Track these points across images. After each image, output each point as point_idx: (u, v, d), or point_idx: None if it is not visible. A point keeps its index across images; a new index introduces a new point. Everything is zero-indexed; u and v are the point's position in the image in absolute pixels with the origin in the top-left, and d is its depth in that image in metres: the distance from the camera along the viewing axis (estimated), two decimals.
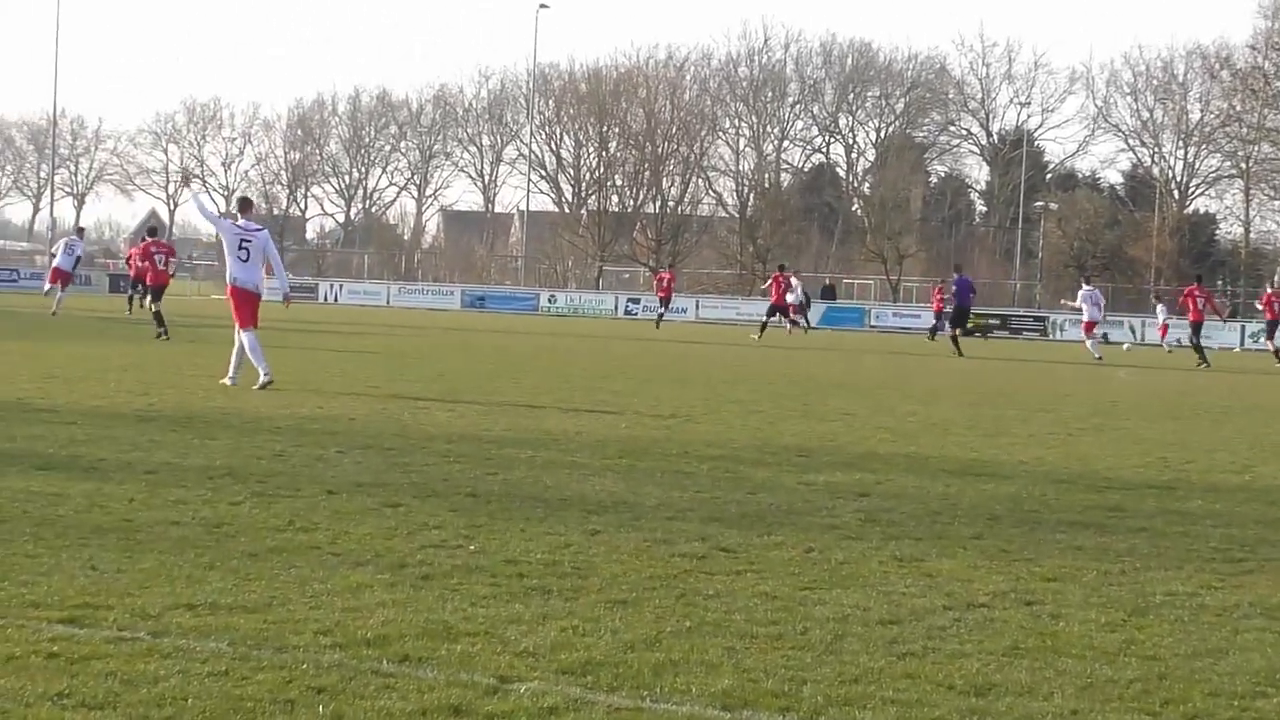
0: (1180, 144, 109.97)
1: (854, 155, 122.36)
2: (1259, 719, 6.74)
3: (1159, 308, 55.62)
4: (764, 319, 54.47)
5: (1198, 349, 45.23)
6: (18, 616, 7.43)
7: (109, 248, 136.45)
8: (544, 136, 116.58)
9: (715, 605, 8.36)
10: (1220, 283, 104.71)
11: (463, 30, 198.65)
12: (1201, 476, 15.41)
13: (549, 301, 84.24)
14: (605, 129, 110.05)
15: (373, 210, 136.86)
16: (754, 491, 12.83)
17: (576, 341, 44.91)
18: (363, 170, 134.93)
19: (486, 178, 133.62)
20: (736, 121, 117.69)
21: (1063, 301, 55.27)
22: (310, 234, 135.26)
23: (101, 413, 16.86)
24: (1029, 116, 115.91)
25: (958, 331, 47.00)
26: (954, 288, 47.98)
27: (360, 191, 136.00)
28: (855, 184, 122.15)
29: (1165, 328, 54.21)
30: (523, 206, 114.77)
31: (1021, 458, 16.49)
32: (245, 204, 23.03)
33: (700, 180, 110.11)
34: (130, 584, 8.22)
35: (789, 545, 10.26)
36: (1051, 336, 75.55)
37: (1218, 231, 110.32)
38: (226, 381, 21.12)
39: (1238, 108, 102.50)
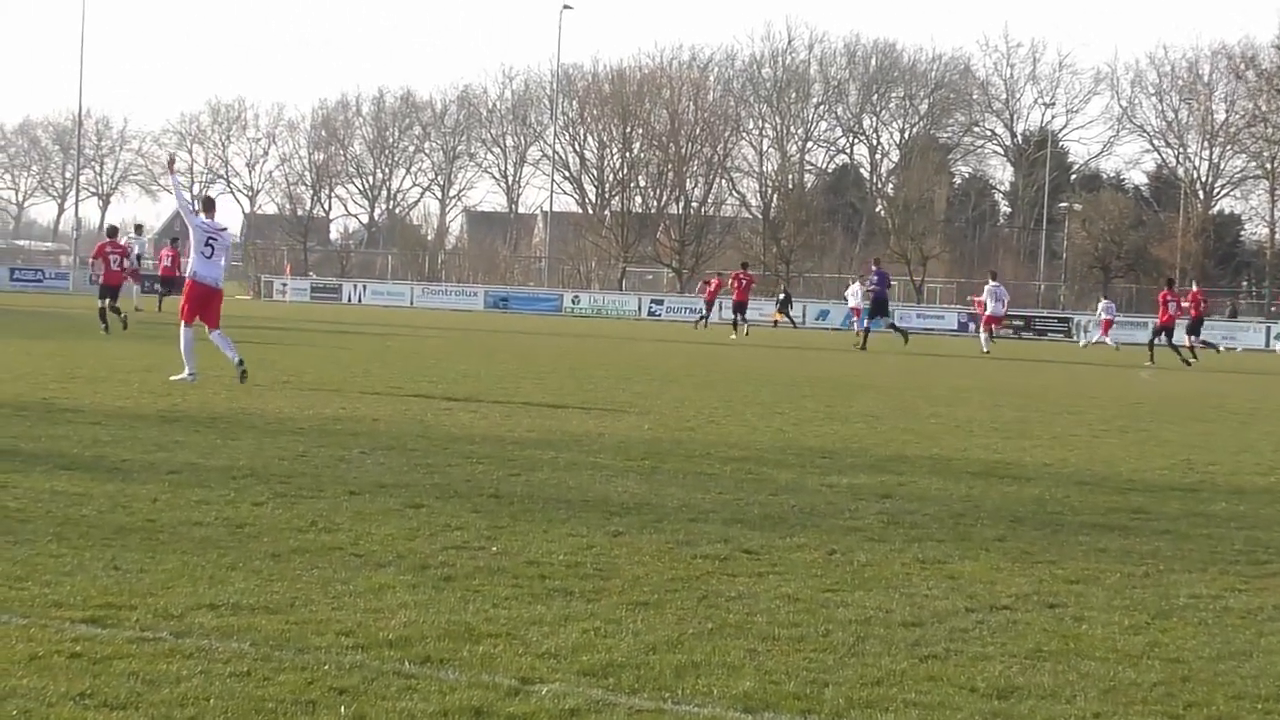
0: (1205, 144, 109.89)
1: (878, 156, 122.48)
2: None
3: (991, 288, 55.88)
4: (734, 317, 54.77)
5: (1150, 345, 45.81)
6: (41, 616, 7.45)
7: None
8: (568, 137, 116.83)
9: (737, 607, 8.35)
10: (1245, 284, 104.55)
11: (487, 30, 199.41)
12: (1226, 479, 15.36)
13: (572, 302, 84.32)
14: (629, 129, 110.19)
15: (396, 211, 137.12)
16: (776, 493, 12.82)
17: (599, 343, 44.93)
18: (386, 171, 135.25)
19: (510, 178, 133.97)
20: (760, 122, 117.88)
21: (970, 298, 55.63)
22: (334, 235, 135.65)
23: (125, 413, 16.90)
24: (1053, 117, 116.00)
25: (880, 321, 48.33)
26: (873, 279, 49.06)
27: (384, 192, 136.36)
28: (879, 185, 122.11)
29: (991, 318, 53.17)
30: (546, 207, 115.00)
31: (1045, 459, 16.45)
32: (209, 204, 23.57)
33: (724, 181, 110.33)
34: (153, 584, 8.24)
35: (811, 547, 10.24)
36: (1076, 338, 75.39)
37: (1243, 232, 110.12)
38: (185, 377, 21.21)
39: (1263, 108, 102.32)
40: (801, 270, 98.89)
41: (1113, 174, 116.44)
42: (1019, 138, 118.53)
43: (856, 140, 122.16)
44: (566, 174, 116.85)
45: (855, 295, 53.20)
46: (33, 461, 12.60)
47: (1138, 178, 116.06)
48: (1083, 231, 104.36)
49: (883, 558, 10.01)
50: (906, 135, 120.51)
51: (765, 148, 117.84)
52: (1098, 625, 8.33)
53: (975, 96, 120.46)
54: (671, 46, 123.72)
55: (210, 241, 22.09)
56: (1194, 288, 52.25)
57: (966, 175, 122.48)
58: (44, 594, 7.90)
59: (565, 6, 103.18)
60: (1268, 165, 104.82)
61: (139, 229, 56.87)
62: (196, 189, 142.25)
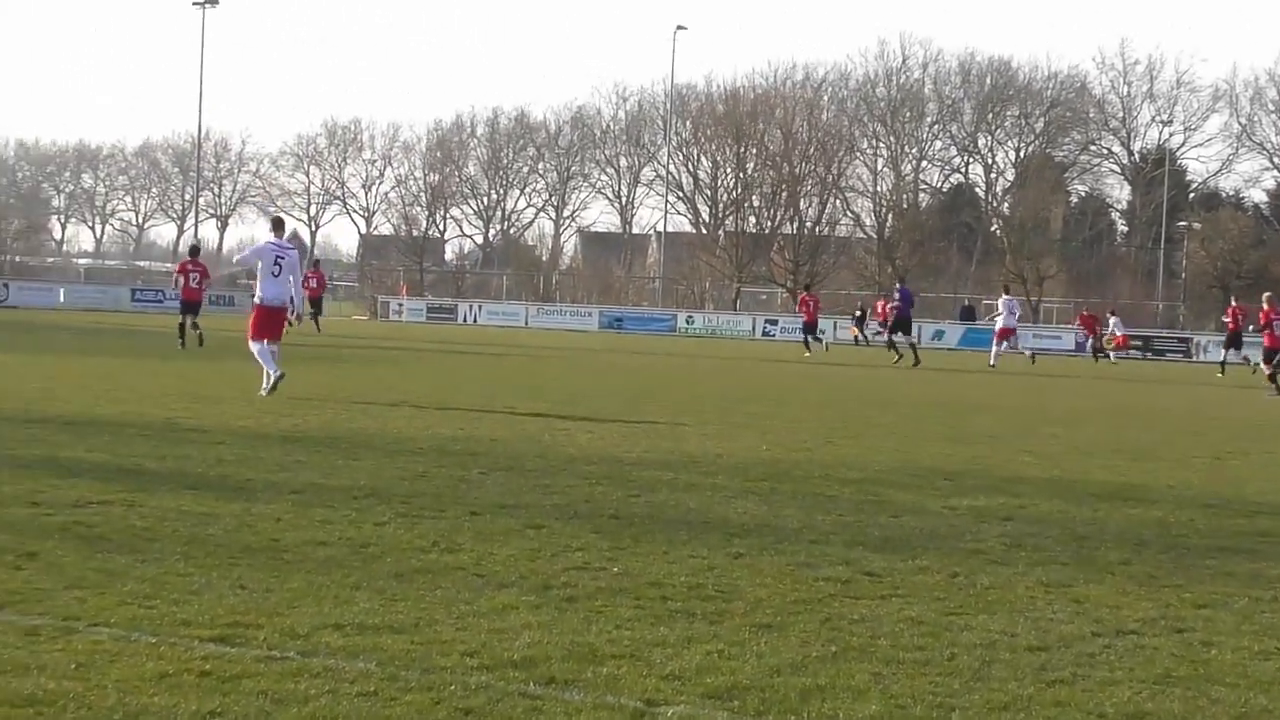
0: None
1: (993, 175, 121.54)
2: None
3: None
4: (804, 337, 55.71)
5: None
6: (170, 634, 7.53)
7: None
8: (681, 157, 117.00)
9: (861, 630, 8.31)
10: None
11: (601, 51, 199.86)
12: None
13: (686, 322, 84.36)
14: (742, 149, 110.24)
15: (511, 231, 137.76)
16: (897, 515, 12.74)
17: (714, 363, 44.91)
18: (501, 191, 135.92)
19: (624, 199, 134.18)
20: (874, 141, 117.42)
21: (989, 318, 55.82)
22: (449, 255, 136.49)
23: (248, 432, 17.08)
24: (1171, 135, 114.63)
25: (897, 335, 48.67)
26: (896, 297, 49.66)
27: (498, 213, 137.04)
28: (994, 204, 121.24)
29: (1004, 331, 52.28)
30: (660, 227, 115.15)
31: (1168, 481, 16.25)
32: (279, 223, 24.78)
33: (838, 201, 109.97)
34: (279, 603, 8.31)
35: (934, 570, 10.17)
36: (1195, 358, 74.50)
37: None
38: (275, 378, 22.19)
39: None
40: (916, 290, 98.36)
41: (1232, 192, 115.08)
42: (1136, 156, 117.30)
43: (971, 159, 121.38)
44: (680, 194, 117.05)
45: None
46: (159, 481, 12.76)
47: (1258, 196, 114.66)
48: (1201, 251, 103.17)
49: (1006, 581, 9.92)
50: (1022, 154, 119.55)
51: (879, 167, 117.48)
52: (1227, 650, 8.21)
53: (1092, 115, 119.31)
54: (785, 66, 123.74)
55: (279, 260, 22.87)
56: (1233, 303, 52.95)
57: (1083, 194, 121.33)
58: (172, 612, 7.98)
59: (679, 27, 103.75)
60: None
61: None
62: (313, 210, 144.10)
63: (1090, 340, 65.34)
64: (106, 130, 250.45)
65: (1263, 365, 40.50)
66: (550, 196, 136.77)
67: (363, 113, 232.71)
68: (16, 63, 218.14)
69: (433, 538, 10.53)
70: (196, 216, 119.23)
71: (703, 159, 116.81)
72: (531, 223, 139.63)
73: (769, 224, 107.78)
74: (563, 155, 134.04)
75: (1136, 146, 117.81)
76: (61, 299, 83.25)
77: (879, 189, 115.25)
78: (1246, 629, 8.78)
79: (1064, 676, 7.48)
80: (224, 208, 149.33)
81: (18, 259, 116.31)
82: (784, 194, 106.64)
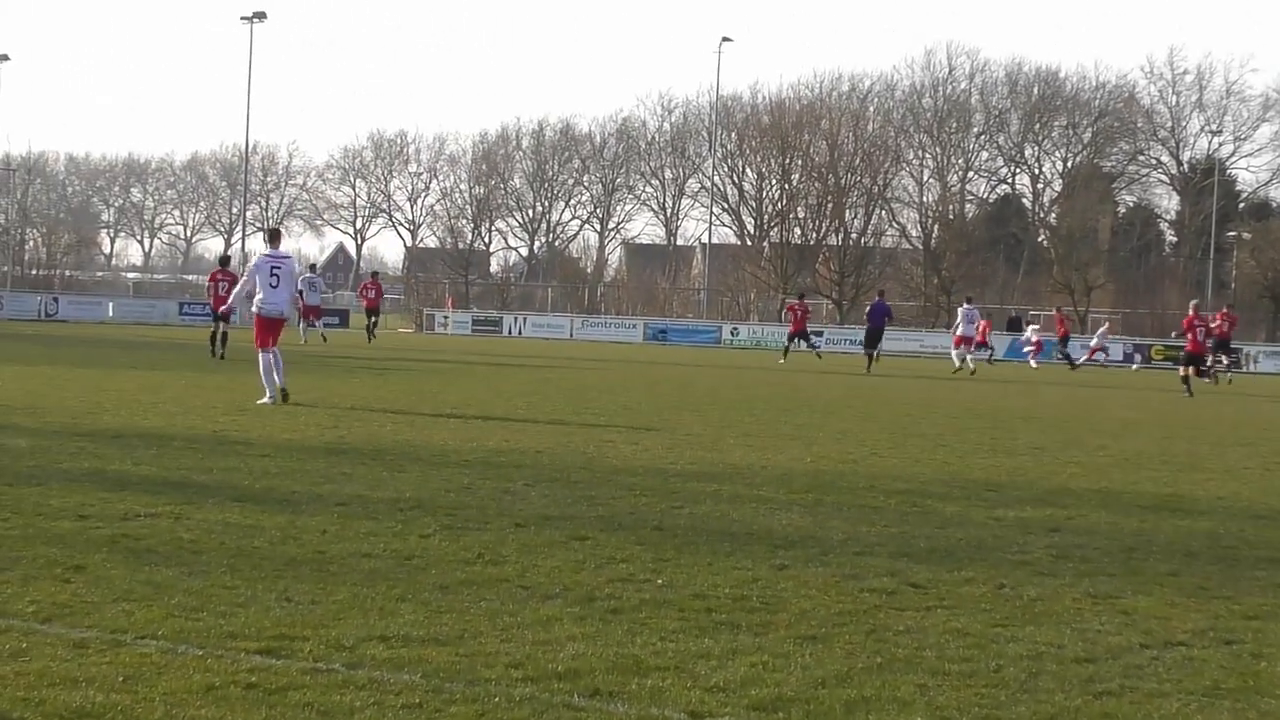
0: None
1: (1040, 185, 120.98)
2: None
3: (965, 309, 55.58)
4: (786, 345, 57.49)
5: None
6: (217, 646, 7.56)
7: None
8: (726, 169, 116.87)
9: (906, 641, 8.28)
10: None
11: (646, 63, 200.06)
12: None
13: (731, 334, 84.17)
14: (787, 160, 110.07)
15: (556, 244, 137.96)
16: (943, 526, 12.70)
17: (758, 374, 44.85)
18: (546, 204, 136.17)
19: (668, 210, 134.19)
20: (920, 153, 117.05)
21: (953, 328, 56.61)
22: (494, 267, 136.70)
23: (293, 445, 17.13)
24: (1220, 145, 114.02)
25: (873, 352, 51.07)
26: (869, 310, 52.13)
27: (543, 225, 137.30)
28: (1041, 214, 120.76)
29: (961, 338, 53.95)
30: (705, 239, 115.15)
31: (1218, 493, 16.15)
32: (275, 235, 25.36)
33: (883, 212, 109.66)
34: (324, 615, 8.33)
35: (980, 581, 10.13)
36: (1245, 369, 74.09)
37: None
38: (267, 401, 22.69)
39: None
40: (962, 301, 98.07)
41: None
42: (1185, 166, 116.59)
43: (1018, 170, 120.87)
44: (725, 205, 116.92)
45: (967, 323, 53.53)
46: (205, 493, 12.81)
47: None
48: (1251, 260, 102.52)
49: (1053, 592, 9.88)
50: (1069, 164, 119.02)
51: (925, 178, 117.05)
52: (1277, 663, 8.15)
53: (1140, 125, 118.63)
54: (830, 77, 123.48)
55: (275, 270, 23.63)
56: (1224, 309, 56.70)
57: (1131, 204, 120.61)
58: (219, 625, 8.01)
59: (724, 39, 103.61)
60: None
61: (313, 268, 58.97)
62: (359, 223, 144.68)
63: (1056, 345, 65.28)
64: (155, 144, 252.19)
65: (1180, 368, 43.66)
66: (595, 208, 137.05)
67: (409, 125, 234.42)
68: (67, 78, 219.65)
69: (477, 549, 10.54)
70: (244, 230, 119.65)
71: (748, 170, 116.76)
72: (576, 235, 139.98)
73: (814, 235, 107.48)
74: (607, 167, 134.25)
75: (1185, 156, 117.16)
76: (110, 313, 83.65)
77: (925, 200, 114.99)
78: None
79: (1111, 688, 7.45)
80: (271, 221, 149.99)
81: (68, 273, 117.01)
82: (829, 205, 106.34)
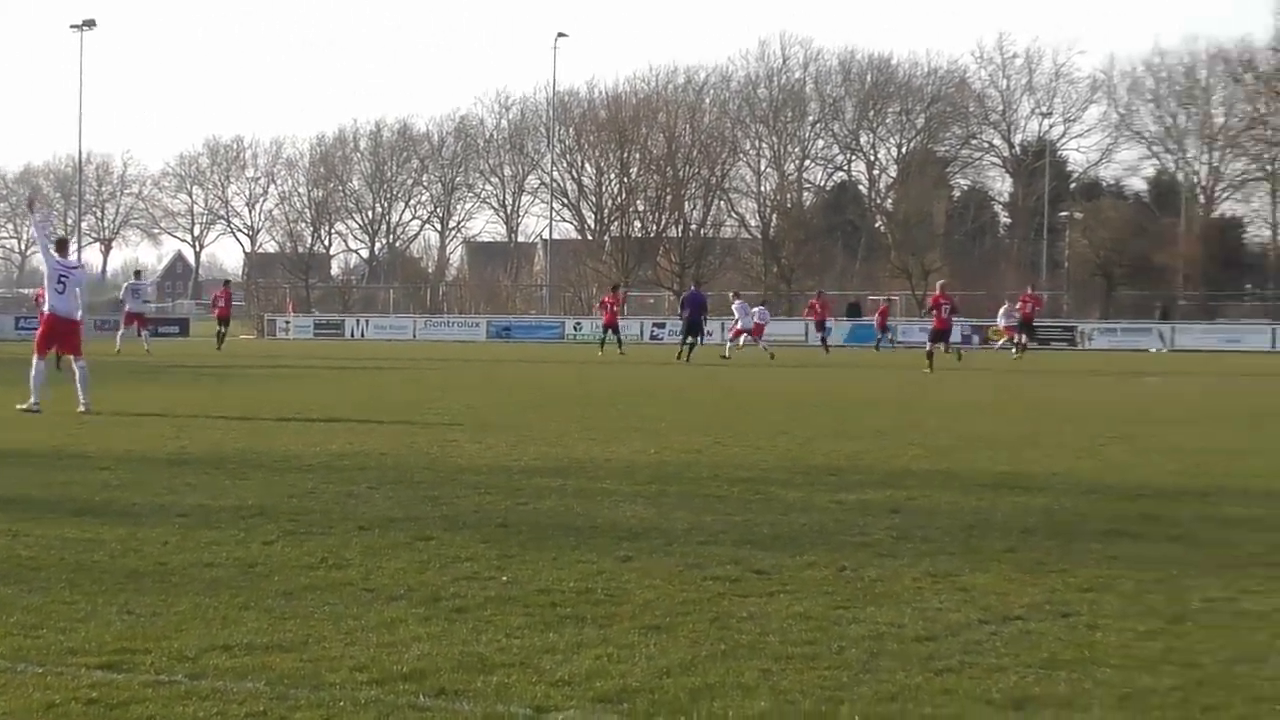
0: (1205, 149, 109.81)
1: (876, 172, 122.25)
2: None
3: (737, 305, 57.14)
4: (603, 336, 57.69)
5: (929, 355, 45.38)
6: (56, 664, 7.45)
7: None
8: (565, 164, 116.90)
9: (750, 628, 8.35)
10: (1249, 286, 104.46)
11: (482, 61, 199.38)
12: (1237, 482, 15.33)
13: (574, 329, 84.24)
14: (626, 155, 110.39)
15: (396, 245, 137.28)
16: (785, 512, 12.81)
17: (602, 369, 44.91)
18: (385, 205, 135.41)
19: (509, 208, 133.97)
20: (757, 143, 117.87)
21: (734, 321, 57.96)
22: (335, 270, 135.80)
23: (133, 457, 16.90)
24: (1051, 127, 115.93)
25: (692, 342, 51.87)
26: (683, 299, 54.50)
27: (384, 226, 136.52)
28: (878, 201, 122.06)
29: (738, 330, 56.89)
30: (546, 235, 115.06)
31: (1053, 469, 16.42)
32: (62, 244, 25.55)
33: (722, 202, 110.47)
34: (166, 627, 8.24)
35: (822, 565, 10.24)
36: (1080, 346, 75.44)
37: (1245, 235, 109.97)
38: (31, 405, 22.94)
39: (1262, 110, 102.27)
40: (803, 289, 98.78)
41: (1113, 181, 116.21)
42: (1017, 148, 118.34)
43: (854, 157, 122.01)
44: (565, 201, 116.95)
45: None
46: (44, 509, 12.62)
47: (1138, 184, 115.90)
48: (1084, 240, 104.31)
49: (893, 573, 10.00)
50: (904, 150, 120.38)
51: (763, 168, 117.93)
52: (1112, 633, 8.32)
53: (972, 109, 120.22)
54: (666, 70, 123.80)
55: (62, 278, 23.68)
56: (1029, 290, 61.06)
57: (965, 188, 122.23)
58: (59, 641, 7.90)
59: (560, 34, 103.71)
60: (1268, 167, 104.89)
61: (138, 274, 57.90)
62: (197, 230, 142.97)
63: (819, 325, 65.89)
64: None
65: (927, 344, 45.31)
66: (435, 208, 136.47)
67: (245, 130, 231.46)
68: None
69: (321, 554, 10.48)
70: (80, 241, 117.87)
71: (586, 165, 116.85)
72: (417, 235, 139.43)
73: (654, 228, 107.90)
74: (446, 166, 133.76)
75: (1017, 139, 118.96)
76: None
77: (763, 189, 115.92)
78: (1131, 611, 8.90)
79: (951, 665, 7.56)
80: (107, 231, 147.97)
81: None
82: (668, 197, 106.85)
